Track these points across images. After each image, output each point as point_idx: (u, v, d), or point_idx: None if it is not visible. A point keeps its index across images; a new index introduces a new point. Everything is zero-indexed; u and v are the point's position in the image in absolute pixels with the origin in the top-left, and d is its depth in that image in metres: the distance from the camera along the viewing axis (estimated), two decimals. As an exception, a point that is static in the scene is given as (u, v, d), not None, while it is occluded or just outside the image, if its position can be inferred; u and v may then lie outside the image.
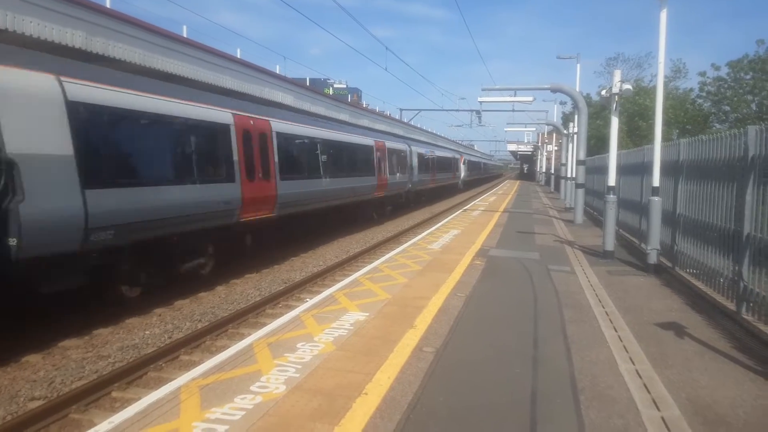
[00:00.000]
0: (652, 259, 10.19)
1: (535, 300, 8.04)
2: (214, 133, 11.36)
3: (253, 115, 12.97)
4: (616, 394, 4.75)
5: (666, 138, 11.31)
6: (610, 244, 11.89)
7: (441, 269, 10.02)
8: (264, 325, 7.40)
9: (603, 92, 12.29)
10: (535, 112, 43.20)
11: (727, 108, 25.77)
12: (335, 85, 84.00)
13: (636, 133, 28.76)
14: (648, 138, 20.27)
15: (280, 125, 14.08)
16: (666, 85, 19.72)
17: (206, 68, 15.74)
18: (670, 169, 10.08)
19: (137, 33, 12.92)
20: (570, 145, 26.33)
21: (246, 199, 12.09)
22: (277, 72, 21.05)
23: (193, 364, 6.73)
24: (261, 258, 13.71)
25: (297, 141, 15.32)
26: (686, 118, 27.71)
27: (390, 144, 24.98)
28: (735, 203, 7.10)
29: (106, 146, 8.74)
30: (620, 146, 14.00)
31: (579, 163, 19.02)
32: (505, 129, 55.42)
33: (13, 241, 6.84)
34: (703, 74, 26.85)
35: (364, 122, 30.86)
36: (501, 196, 36.88)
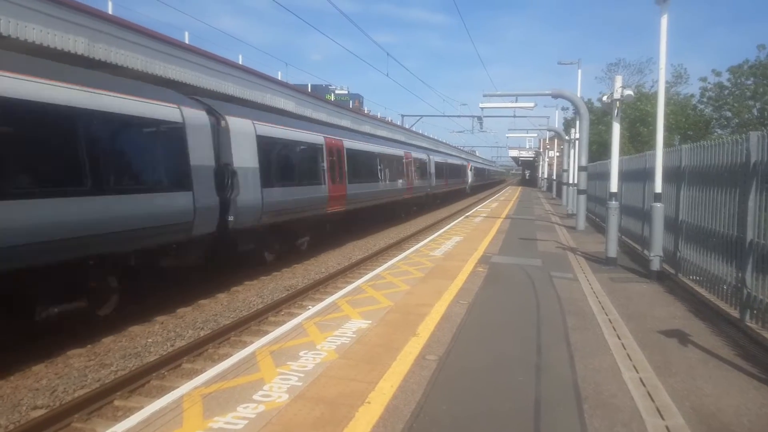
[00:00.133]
0: (655, 265, 10.17)
1: (538, 307, 8.02)
2: (315, 150, 16.29)
3: (332, 137, 17.84)
4: (619, 403, 4.73)
5: (668, 144, 11.30)
6: (613, 250, 11.87)
7: (443, 276, 10.01)
8: (266, 332, 7.40)
9: (604, 98, 12.30)
10: (537, 118, 43.33)
11: (729, 114, 25.78)
12: (337, 91, 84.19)
13: (638, 138, 28.76)
14: (649, 144, 20.26)
15: (348, 143, 19.26)
16: (667, 90, 19.74)
17: (208, 74, 15.79)
18: (672, 175, 10.07)
19: (139, 39, 12.96)
20: (572, 151, 26.32)
21: (330, 197, 16.77)
22: (279, 78, 21.10)
23: (196, 373, 6.73)
24: (263, 265, 13.70)
25: (359, 155, 20.26)
26: (687, 123, 27.72)
27: (414, 154, 30.29)
28: (738, 209, 7.09)
29: (271, 162, 13.59)
30: (622, 152, 14.00)
31: (581, 169, 19.02)
32: (507, 135, 55.64)
33: (231, 218, 11.59)
34: (704, 80, 26.88)
35: (366, 128, 30.98)
36: (503, 202, 36.87)
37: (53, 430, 5.60)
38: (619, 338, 6.57)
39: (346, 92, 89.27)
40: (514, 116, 38.50)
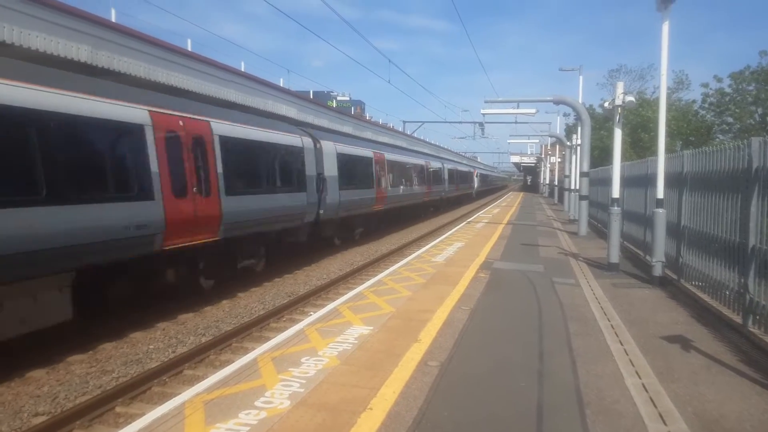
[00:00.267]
0: (657, 271, 10.15)
1: (540, 313, 8.01)
2: (368, 162, 21.31)
3: (378, 151, 22.97)
4: (622, 408, 4.72)
5: (669, 149, 11.31)
6: (615, 256, 11.86)
7: (445, 282, 10.00)
8: (268, 339, 7.40)
9: (606, 104, 12.32)
10: (538, 124, 43.27)
11: (730, 119, 25.81)
12: (339, 98, 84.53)
13: (639, 144, 28.79)
14: (651, 149, 20.28)
15: (388, 156, 24.24)
16: (669, 96, 19.78)
17: (210, 81, 15.87)
18: (674, 181, 10.07)
19: (141, 47, 13.04)
20: (573, 157, 26.33)
21: (376, 198, 21.69)
22: (281, 85, 21.19)
23: (198, 379, 6.73)
24: (264, 271, 13.71)
25: (395, 165, 25.41)
26: (689, 129, 27.74)
27: (432, 163, 35.09)
28: (740, 215, 7.08)
29: (344, 171, 18.11)
30: (624, 158, 14.00)
31: (582, 174, 19.03)
32: (509, 141, 55.69)
33: (321, 211, 16.00)
34: (705, 85, 26.95)
35: (368, 134, 31.15)
36: (505, 208, 36.88)
37: (55, 437, 5.60)
38: (622, 344, 6.56)
39: (348, 99, 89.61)
40: (516, 122, 38.64)
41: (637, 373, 5.59)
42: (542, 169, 66.24)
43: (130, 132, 8.89)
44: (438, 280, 10.27)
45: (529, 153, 74.99)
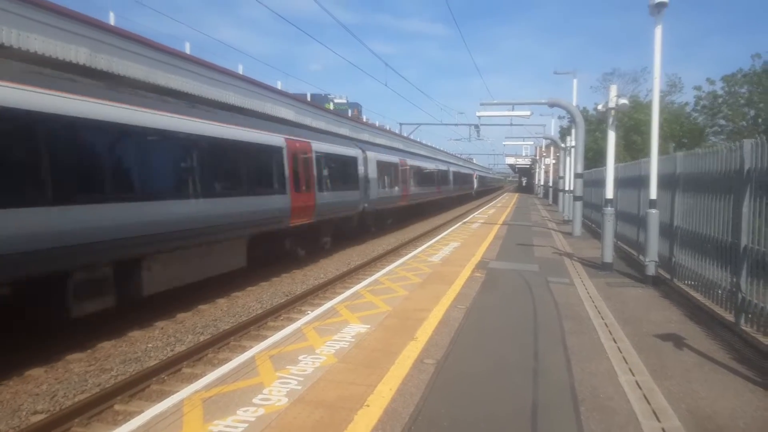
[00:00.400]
0: (651, 270, 10.25)
1: (535, 312, 8.08)
2: (396, 166, 26.51)
3: (403, 158, 28.52)
4: (616, 406, 4.79)
5: (662, 151, 11.41)
6: (609, 256, 11.96)
7: (441, 281, 10.07)
8: (266, 337, 7.43)
9: (600, 107, 12.43)
10: (533, 126, 43.57)
11: (722, 122, 26.01)
12: (336, 100, 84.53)
13: (632, 146, 28.96)
14: (644, 151, 20.41)
15: (409, 161, 29.70)
16: (662, 99, 19.90)
17: (209, 84, 15.90)
18: (667, 182, 10.17)
19: (140, 50, 13.06)
20: (568, 159, 26.45)
21: (401, 196, 27.01)
22: (279, 88, 21.23)
23: (196, 377, 6.77)
24: (262, 271, 13.75)
25: (415, 169, 30.97)
26: (682, 131, 27.93)
27: (441, 167, 41.37)
28: (732, 216, 7.18)
29: (380, 174, 23.02)
30: (617, 159, 14.12)
31: (577, 176, 19.12)
32: (504, 143, 56.21)
33: (365, 205, 20.92)
34: (698, 88, 27.17)
35: (365, 136, 31.26)
36: (500, 208, 36.98)
37: (54, 435, 5.63)
38: (616, 342, 6.63)
39: (345, 101, 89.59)
40: (511, 124, 38.69)
41: (630, 370, 5.67)
42: (537, 170, 66.43)
43: (278, 151, 14.15)
44: (434, 279, 10.34)
45: (524, 155, 75.15)
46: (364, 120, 40.33)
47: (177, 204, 10.03)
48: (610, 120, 12.16)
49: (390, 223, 26.36)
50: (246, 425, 4.24)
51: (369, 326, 6.99)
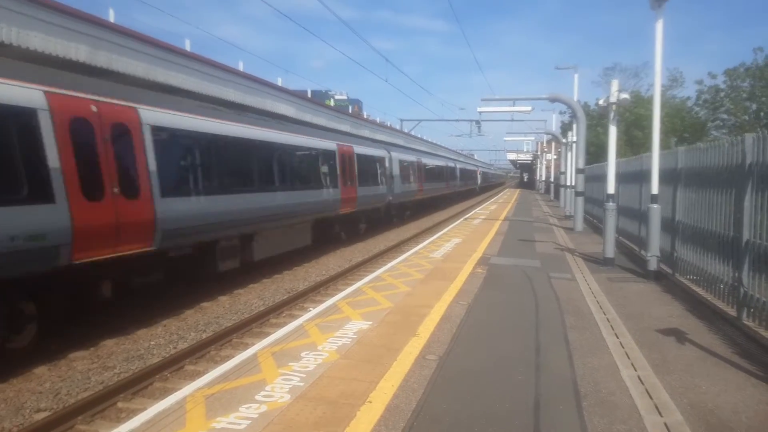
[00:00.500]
0: (652, 265, 10.24)
1: (537, 307, 8.08)
2: (414, 164, 30.01)
3: (420, 158, 32.69)
4: (618, 400, 4.79)
5: (664, 146, 11.39)
6: (610, 251, 11.95)
7: (443, 278, 10.07)
8: (268, 334, 7.44)
9: (601, 101, 12.40)
10: (534, 122, 43.53)
11: (724, 116, 25.94)
12: (336, 97, 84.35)
13: (633, 141, 28.91)
14: (645, 146, 20.38)
15: (425, 160, 34.33)
16: (663, 93, 19.86)
17: (209, 81, 15.87)
18: (669, 177, 10.15)
19: (140, 47, 13.04)
20: (569, 154, 26.42)
21: (417, 191, 30.74)
22: (279, 84, 21.21)
23: (198, 374, 6.77)
24: (264, 268, 13.77)
25: (429, 167, 35.36)
26: (683, 126, 27.87)
27: (450, 164, 45.78)
28: (734, 210, 7.16)
29: (402, 171, 27.11)
30: (618, 155, 14.09)
31: (578, 171, 19.11)
32: (505, 138, 55.84)
33: (390, 198, 24.84)
34: (700, 82, 27.07)
35: (365, 132, 31.27)
36: (501, 204, 36.96)
37: (57, 433, 5.65)
38: (617, 337, 6.64)
39: (346, 97, 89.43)
40: (512, 120, 38.59)
41: (632, 365, 5.67)
42: (538, 166, 66.33)
43: (333, 155, 17.93)
44: (436, 275, 10.34)
45: (525, 150, 75.04)
46: (365, 116, 40.27)
47: (274, 195, 13.65)
48: (612, 115, 12.13)
49: (408, 215, 30.20)
50: (249, 422, 4.25)
51: (371, 323, 7.00)
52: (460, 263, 11.71)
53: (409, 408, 4.55)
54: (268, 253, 13.59)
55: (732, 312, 7.10)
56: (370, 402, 4.63)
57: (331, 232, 18.33)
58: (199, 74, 15.43)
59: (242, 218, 11.86)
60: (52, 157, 7.32)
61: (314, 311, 7.74)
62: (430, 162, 36.69)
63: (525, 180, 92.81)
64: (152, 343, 8.52)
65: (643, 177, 11.83)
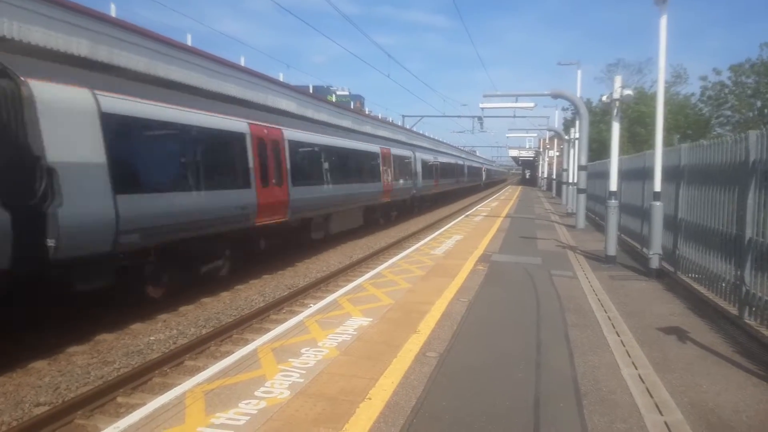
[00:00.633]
0: (654, 263, 10.21)
1: (538, 305, 8.06)
2: (432, 163, 35.08)
3: (435, 157, 37.23)
4: (619, 399, 4.77)
5: (667, 143, 11.35)
6: (612, 248, 11.92)
7: (444, 274, 10.05)
8: (268, 330, 7.44)
9: (604, 98, 12.34)
10: (537, 118, 43.28)
11: (728, 112, 25.85)
12: (338, 92, 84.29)
13: (636, 138, 28.83)
14: (648, 143, 20.32)
15: (440, 158, 38.46)
16: (667, 90, 19.81)
17: (210, 76, 15.84)
18: (672, 174, 10.11)
19: (141, 41, 13.00)
20: (571, 151, 26.36)
21: (433, 185, 34.84)
22: (281, 80, 21.16)
23: (198, 370, 6.78)
24: (265, 263, 13.76)
25: (443, 164, 39.05)
26: (687, 122, 27.78)
27: (458, 161, 50.30)
28: (737, 207, 7.12)
29: (424, 169, 32.08)
30: (621, 152, 14.04)
31: (580, 168, 19.06)
32: (507, 135, 56.44)
33: (414, 191, 29.29)
34: (704, 78, 26.95)
35: (367, 128, 31.26)
36: (503, 201, 36.93)
37: (56, 427, 5.65)
38: (618, 335, 6.61)
39: (347, 93, 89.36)
40: (514, 116, 38.45)
41: (633, 363, 5.65)
42: (540, 162, 66.24)
43: (377, 155, 22.85)
44: (437, 272, 10.32)
45: (527, 147, 74.99)
46: (367, 112, 40.22)
47: (344, 186, 18.20)
48: (615, 111, 12.08)
49: (427, 205, 34.68)
50: (248, 418, 4.24)
51: (371, 319, 6.98)
52: (461, 260, 11.69)
53: (408, 405, 4.54)
54: (338, 229, 18.29)
55: (734, 311, 7.07)
56: (370, 399, 4.62)
57: (373, 216, 22.84)
58: (200, 69, 15.39)
59: (326, 203, 16.79)
60: (251, 162, 12.25)
61: (315, 307, 7.74)
62: (444, 160, 41.29)
63: (527, 177, 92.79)
64: (152, 338, 8.52)
65: (646, 174, 11.78)
